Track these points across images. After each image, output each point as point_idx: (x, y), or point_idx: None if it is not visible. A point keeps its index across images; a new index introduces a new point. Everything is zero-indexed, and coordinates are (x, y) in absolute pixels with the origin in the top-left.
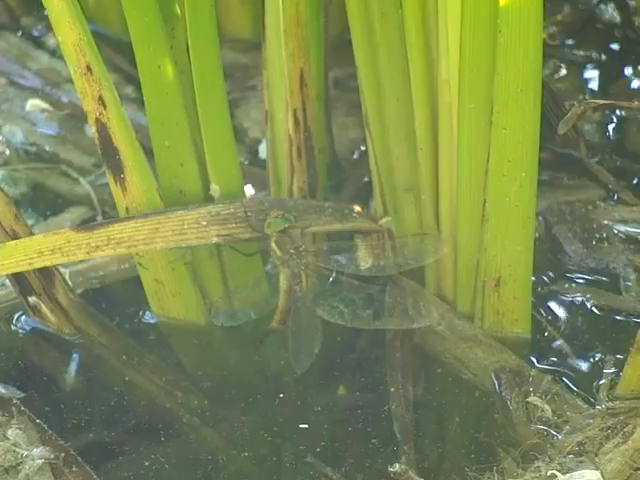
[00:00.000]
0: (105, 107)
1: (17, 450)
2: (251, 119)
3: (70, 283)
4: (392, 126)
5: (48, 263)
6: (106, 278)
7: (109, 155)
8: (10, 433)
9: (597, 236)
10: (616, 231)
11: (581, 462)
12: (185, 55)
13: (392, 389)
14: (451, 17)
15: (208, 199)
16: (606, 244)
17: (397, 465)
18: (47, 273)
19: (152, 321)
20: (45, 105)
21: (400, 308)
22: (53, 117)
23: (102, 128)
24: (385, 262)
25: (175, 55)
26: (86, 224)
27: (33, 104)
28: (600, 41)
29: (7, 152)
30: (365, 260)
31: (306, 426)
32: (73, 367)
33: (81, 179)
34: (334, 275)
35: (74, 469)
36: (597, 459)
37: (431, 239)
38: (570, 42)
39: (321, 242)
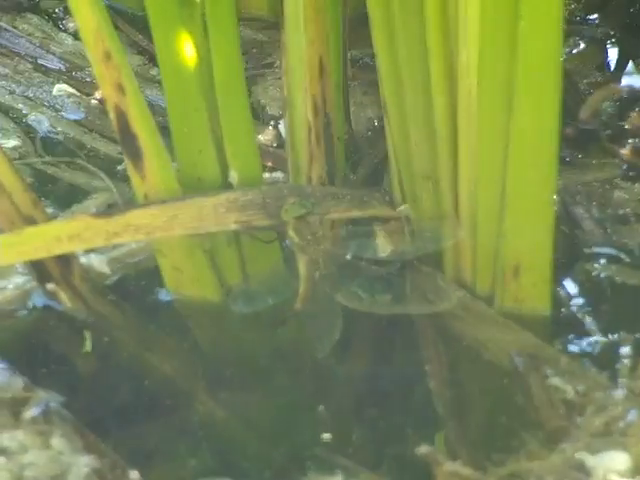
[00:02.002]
0: (124, 94)
1: (62, 459)
2: (269, 96)
3: (108, 270)
4: (411, 112)
5: (66, 250)
6: (140, 264)
7: (128, 142)
8: (54, 441)
9: (614, 216)
10: (633, 211)
11: (608, 443)
12: (204, 42)
13: (427, 366)
14: (471, 2)
15: (227, 186)
16: (624, 225)
17: (424, 447)
18: (65, 260)
19: (170, 301)
20: (72, 90)
21: (419, 292)
22: (80, 102)
23: (121, 115)
24: (404, 247)
25: (194, 41)
26: (104, 210)
27: (60, 89)
28: (620, 17)
29: (23, 147)
30: (384, 248)
31: (324, 407)
32: (88, 347)
33: (101, 173)
34: (352, 261)
35: (117, 471)
36: (623, 440)
37: (448, 223)
38: (591, 18)
39: (339, 228)
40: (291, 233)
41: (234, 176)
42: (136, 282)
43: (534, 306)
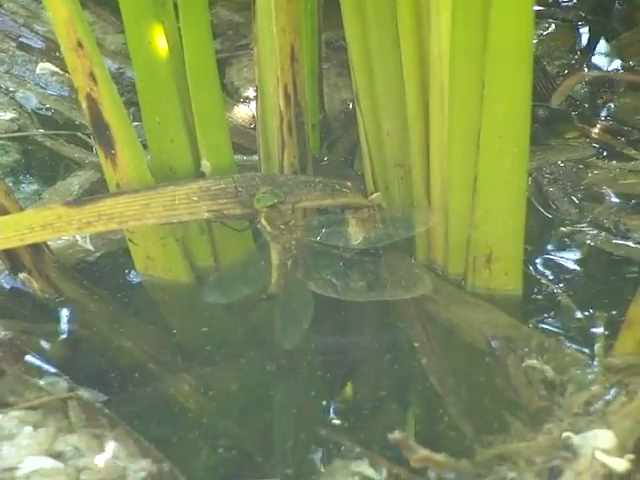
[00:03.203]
0: (96, 83)
1: (119, 463)
2: (243, 77)
3: (91, 247)
4: (383, 102)
5: (39, 239)
6: (123, 241)
7: (100, 131)
8: (108, 445)
9: (588, 195)
10: (606, 190)
11: (591, 421)
12: (176, 31)
13: (417, 344)
14: None
15: (199, 175)
16: (597, 203)
17: (397, 432)
18: (37, 249)
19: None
20: (55, 69)
21: (394, 278)
22: (63, 81)
23: (93, 104)
24: (376, 235)
25: (166, 31)
26: (76, 200)
27: (43, 67)
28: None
29: (20, 120)
30: (356, 236)
31: (291, 382)
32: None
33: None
34: (325, 249)
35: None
36: (606, 418)
37: (421, 210)
38: (564, 0)
39: (311, 216)
40: (263, 222)
41: (206, 165)
42: (117, 260)
43: (506, 294)
